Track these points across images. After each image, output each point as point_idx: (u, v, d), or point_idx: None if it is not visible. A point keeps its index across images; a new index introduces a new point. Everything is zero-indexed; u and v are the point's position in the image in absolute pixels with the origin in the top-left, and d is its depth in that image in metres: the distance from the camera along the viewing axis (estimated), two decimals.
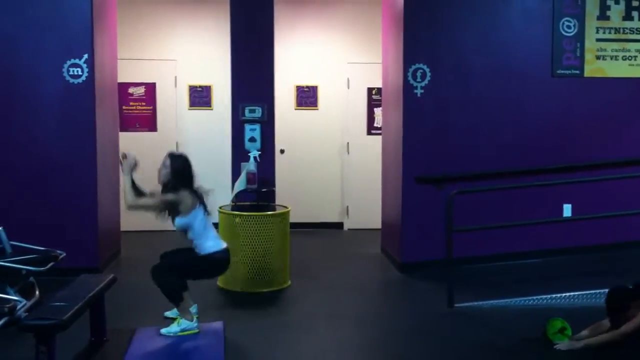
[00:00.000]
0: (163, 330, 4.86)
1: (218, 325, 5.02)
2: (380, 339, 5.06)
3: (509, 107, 7.00)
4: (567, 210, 7.14)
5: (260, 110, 6.72)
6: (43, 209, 6.53)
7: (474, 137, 6.92)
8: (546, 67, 7.07)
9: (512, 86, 6.99)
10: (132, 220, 8.48)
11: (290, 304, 5.83)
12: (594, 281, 6.03)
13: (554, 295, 5.76)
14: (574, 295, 5.78)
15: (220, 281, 6.31)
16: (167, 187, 5.11)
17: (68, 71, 6.47)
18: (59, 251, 5.48)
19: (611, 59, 7.16)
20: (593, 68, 7.16)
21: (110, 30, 7.26)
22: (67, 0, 6.45)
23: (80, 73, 6.49)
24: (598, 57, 7.16)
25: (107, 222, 7.02)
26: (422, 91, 6.73)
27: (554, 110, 7.11)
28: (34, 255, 5.32)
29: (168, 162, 5.13)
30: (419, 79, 6.71)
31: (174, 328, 4.86)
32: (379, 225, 8.11)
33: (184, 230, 5.04)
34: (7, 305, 3.85)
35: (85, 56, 6.47)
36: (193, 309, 4.92)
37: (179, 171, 5.13)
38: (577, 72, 7.13)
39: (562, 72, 7.09)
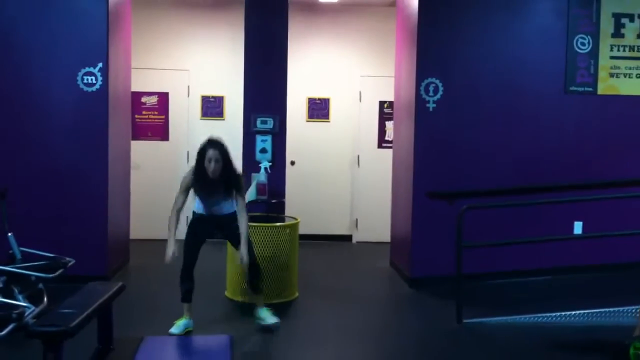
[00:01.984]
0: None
1: (225, 338, 5.00)
2: (388, 354, 5.02)
3: (521, 123, 6.97)
4: (577, 227, 7.09)
5: (272, 121, 6.74)
6: (54, 216, 6.55)
7: (486, 153, 6.89)
8: (559, 84, 7.04)
9: (525, 102, 6.96)
10: (141, 228, 8.52)
11: (298, 316, 5.80)
12: (604, 300, 5.97)
13: (564, 313, 5.72)
14: (584, 313, 5.73)
15: (228, 291, 6.30)
16: (224, 179, 5.06)
17: (82, 79, 6.51)
18: (68, 258, 5.50)
19: (625, 76, 7.13)
20: (607, 85, 7.13)
21: (125, 40, 7.31)
22: (83, 9, 6.49)
23: (94, 81, 6.53)
24: (612, 75, 7.13)
25: (116, 230, 7.03)
26: (435, 105, 6.72)
27: (567, 127, 7.08)
28: (44, 262, 5.35)
29: (218, 155, 4.96)
30: (431, 93, 6.70)
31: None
32: (388, 238, 8.08)
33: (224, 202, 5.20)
34: (16, 311, 3.85)
35: (100, 65, 6.51)
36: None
37: (229, 159, 5.04)
38: (591, 89, 7.10)
39: (576, 89, 7.07)
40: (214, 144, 4.98)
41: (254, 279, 5.38)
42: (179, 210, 5.14)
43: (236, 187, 5.14)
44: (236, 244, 5.28)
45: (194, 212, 5.40)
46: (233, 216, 5.27)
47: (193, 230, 5.35)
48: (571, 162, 7.05)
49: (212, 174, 5.00)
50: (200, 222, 5.35)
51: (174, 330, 5.16)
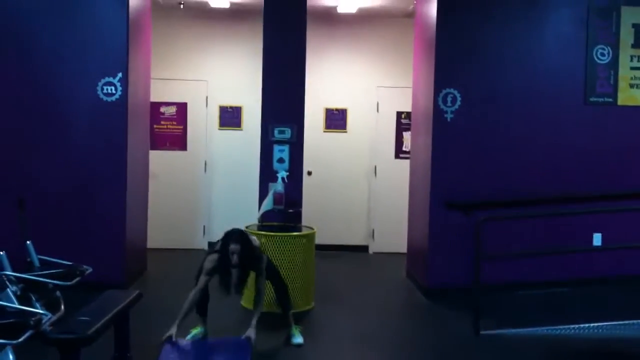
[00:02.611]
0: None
1: (243, 340, 4.99)
2: None
3: (540, 134, 6.93)
4: (597, 239, 7.02)
5: (290, 131, 6.75)
6: (72, 224, 6.60)
7: (504, 163, 6.85)
8: (579, 94, 7.00)
9: (544, 112, 6.92)
10: (158, 237, 8.56)
11: (314, 327, 5.78)
12: (623, 312, 5.91)
13: (582, 325, 5.66)
14: (602, 325, 5.67)
15: (244, 301, 6.30)
16: (245, 264, 5.14)
17: (102, 89, 6.57)
18: (85, 266, 5.51)
19: None
20: (627, 96, 7.07)
21: (145, 50, 7.37)
22: (104, 19, 6.56)
23: (114, 91, 6.58)
24: (632, 86, 7.08)
25: (134, 238, 7.06)
26: (452, 116, 6.70)
27: (587, 138, 7.02)
28: (61, 270, 5.36)
29: (238, 249, 5.05)
30: (449, 104, 6.69)
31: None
32: (404, 249, 8.05)
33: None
34: (33, 319, 3.85)
35: (120, 75, 6.57)
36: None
37: (247, 251, 5.11)
38: (611, 100, 7.05)
39: (595, 99, 7.02)
40: (235, 239, 5.09)
41: (282, 299, 5.48)
42: (200, 290, 5.10)
43: (257, 269, 5.25)
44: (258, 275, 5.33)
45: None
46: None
47: (212, 268, 5.25)
48: (591, 172, 6.99)
49: (234, 264, 5.09)
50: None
51: (188, 339, 5.17)
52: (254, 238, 5.38)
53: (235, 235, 5.13)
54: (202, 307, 5.32)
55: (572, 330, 5.62)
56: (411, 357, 5.13)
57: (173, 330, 4.82)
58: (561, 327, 5.64)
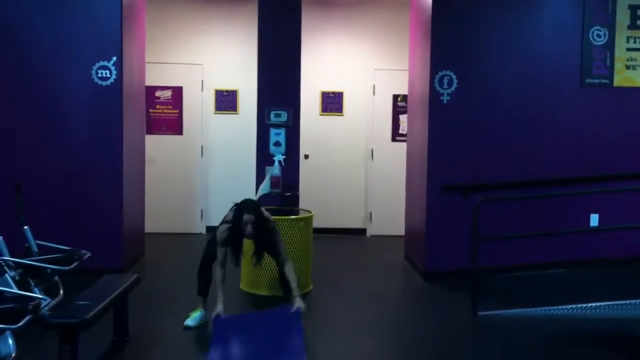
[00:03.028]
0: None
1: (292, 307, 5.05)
2: (404, 346, 5.02)
3: (537, 115, 6.92)
4: (594, 220, 7.05)
5: (286, 114, 6.73)
6: (69, 210, 6.59)
7: (501, 145, 6.85)
8: (575, 76, 6.99)
9: (541, 94, 6.92)
10: (155, 222, 8.56)
11: (312, 309, 5.77)
12: (620, 293, 5.94)
13: (579, 306, 5.69)
14: (599, 305, 5.70)
15: (242, 284, 6.31)
16: (260, 234, 5.19)
17: (97, 73, 6.54)
18: (83, 251, 5.52)
19: None
20: (623, 77, 7.06)
21: (139, 34, 7.32)
22: (98, 3, 6.52)
23: (108, 75, 6.55)
24: (628, 67, 7.07)
25: (131, 223, 7.06)
26: (449, 98, 6.69)
27: (583, 120, 7.03)
28: (59, 255, 5.36)
29: (252, 218, 5.07)
30: (445, 86, 6.67)
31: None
32: (402, 232, 8.06)
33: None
34: (32, 303, 3.85)
35: (114, 59, 6.53)
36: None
37: (260, 222, 5.16)
38: (607, 81, 7.04)
39: (592, 81, 7.01)
40: (248, 208, 5.11)
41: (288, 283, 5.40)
42: (222, 263, 5.09)
43: (272, 242, 5.27)
44: (271, 252, 5.35)
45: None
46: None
47: (225, 238, 5.23)
48: (588, 154, 7.00)
49: (248, 235, 5.13)
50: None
51: (189, 322, 5.18)
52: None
53: (249, 205, 5.13)
54: (205, 288, 5.32)
55: (570, 311, 5.65)
56: (409, 339, 5.15)
57: (220, 308, 4.89)
58: (559, 307, 5.67)
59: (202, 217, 9.28)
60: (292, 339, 4.58)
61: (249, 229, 5.04)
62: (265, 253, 5.38)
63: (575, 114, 7.01)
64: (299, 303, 4.97)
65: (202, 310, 5.31)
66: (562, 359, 4.62)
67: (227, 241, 5.10)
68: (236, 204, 5.21)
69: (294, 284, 5.12)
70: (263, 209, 5.32)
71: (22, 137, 6.55)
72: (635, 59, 7.05)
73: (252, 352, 4.55)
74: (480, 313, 5.52)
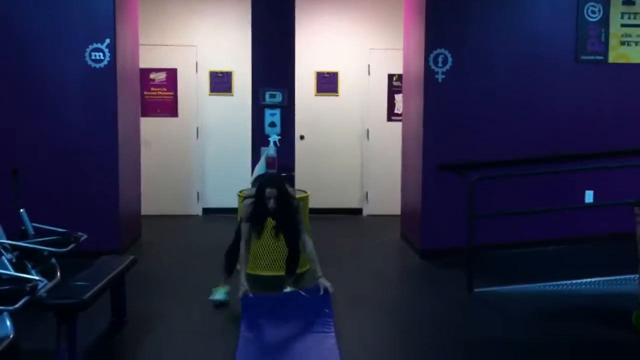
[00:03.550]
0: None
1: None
2: (400, 322, 5.07)
3: (532, 93, 6.92)
4: (589, 196, 7.07)
5: (281, 95, 6.71)
6: (65, 193, 6.60)
7: (496, 124, 6.85)
8: (570, 52, 6.98)
9: (536, 72, 6.91)
10: (152, 204, 8.56)
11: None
12: (613, 268, 5.97)
13: (575, 281, 5.73)
14: (593, 281, 5.74)
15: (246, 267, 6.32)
16: (282, 212, 5.14)
17: (90, 55, 6.51)
18: (80, 233, 5.54)
19: (636, 44, 7.05)
20: (617, 54, 7.05)
21: (132, 15, 7.28)
22: None
23: (102, 57, 6.52)
24: (623, 43, 7.06)
25: (128, 206, 7.07)
26: (444, 76, 6.68)
27: (578, 96, 7.02)
28: (56, 237, 5.38)
29: (275, 193, 5.03)
30: (440, 64, 6.66)
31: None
32: (398, 211, 8.08)
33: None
34: (29, 285, 3.87)
35: (107, 41, 6.50)
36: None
37: (284, 197, 5.12)
38: (602, 57, 7.03)
39: (587, 57, 7.00)
40: (270, 182, 5.11)
41: (293, 264, 5.52)
42: (247, 241, 5.12)
43: (293, 220, 5.21)
44: (291, 231, 5.34)
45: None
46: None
47: (249, 212, 5.20)
48: (583, 131, 7.01)
49: (271, 210, 5.08)
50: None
51: (218, 297, 5.22)
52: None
53: (271, 179, 5.18)
54: (231, 267, 5.34)
55: (565, 287, 5.69)
56: (406, 316, 5.19)
57: (246, 285, 4.88)
58: (554, 283, 5.71)
59: (198, 199, 9.29)
60: (323, 322, 4.62)
61: (271, 203, 5.00)
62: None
63: (571, 91, 7.00)
64: (325, 283, 4.91)
65: (227, 286, 5.31)
66: (557, 334, 4.65)
67: (250, 216, 5.07)
68: (259, 177, 5.22)
69: (316, 265, 5.09)
70: (288, 185, 5.30)
71: (16, 120, 6.54)
72: (630, 35, 7.04)
73: (283, 333, 4.59)
74: (475, 290, 5.55)
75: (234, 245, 5.33)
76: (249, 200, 5.16)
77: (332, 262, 6.71)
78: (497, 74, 6.83)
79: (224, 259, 5.39)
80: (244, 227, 5.09)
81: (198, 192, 9.29)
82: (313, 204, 6.76)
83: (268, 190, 5.00)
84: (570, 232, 7.05)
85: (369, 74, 9.29)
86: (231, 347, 4.29)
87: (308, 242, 5.22)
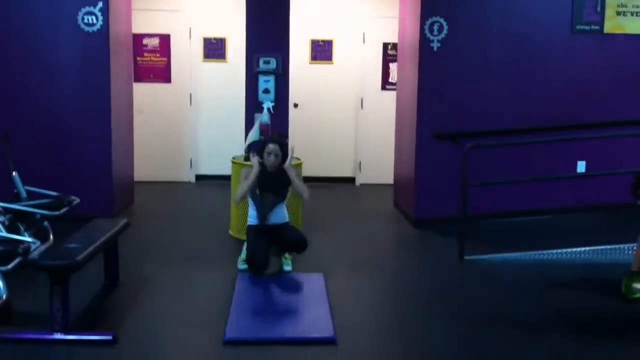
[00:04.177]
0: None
1: (319, 276, 5.10)
2: (391, 286, 5.12)
3: (527, 63, 6.89)
4: (581, 167, 7.09)
5: (275, 61, 6.68)
6: (58, 157, 6.58)
7: (491, 93, 6.83)
8: (566, 23, 6.93)
9: (531, 42, 6.87)
10: (144, 171, 8.56)
11: (303, 254, 5.82)
12: (604, 238, 6.03)
13: (563, 250, 5.78)
14: (583, 250, 5.79)
15: (232, 230, 6.35)
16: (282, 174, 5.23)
17: (83, 19, 6.45)
18: (72, 197, 5.54)
19: (632, 15, 7.02)
20: (613, 24, 7.02)
21: None
22: None
23: (94, 21, 6.46)
24: (619, 13, 7.02)
25: (121, 171, 7.05)
26: (439, 45, 6.64)
27: (574, 67, 7.00)
28: (48, 200, 5.39)
29: (277, 150, 5.17)
30: (435, 33, 6.62)
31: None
32: (391, 181, 8.10)
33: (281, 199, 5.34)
34: (22, 246, 3.89)
35: (100, 4, 6.43)
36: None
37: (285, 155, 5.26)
38: (597, 28, 7.00)
39: (582, 27, 6.96)
40: (274, 139, 5.22)
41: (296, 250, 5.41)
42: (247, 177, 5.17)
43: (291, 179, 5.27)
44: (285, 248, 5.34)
45: (248, 227, 5.33)
46: (286, 225, 5.34)
47: (253, 235, 5.21)
48: (578, 101, 7.00)
49: (270, 167, 5.14)
50: (257, 231, 5.23)
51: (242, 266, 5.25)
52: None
53: (274, 137, 5.27)
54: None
55: (556, 256, 5.74)
56: (398, 281, 5.23)
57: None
58: (543, 252, 5.75)
59: (191, 166, 9.27)
60: (317, 296, 4.65)
61: (272, 159, 5.10)
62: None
63: (566, 61, 6.98)
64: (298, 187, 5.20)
65: None
66: (546, 301, 4.70)
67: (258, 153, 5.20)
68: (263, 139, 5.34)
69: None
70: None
71: (8, 84, 6.49)
72: (625, 5, 7.00)
73: (276, 299, 4.71)
74: (467, 257, 5.59)
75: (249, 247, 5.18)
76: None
77: (324, 229, 6.75)
78: (492, 43, 6.79)
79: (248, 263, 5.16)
80: (253, 161, 5.16)
81: (191, 159, 9.27)
82: (306, 172, 6.75)
83: (270, 146, 5.12)
84: (562, 202, 7.09)
85: (363, 42, 9.24)
86: (224, 309, 4.32)
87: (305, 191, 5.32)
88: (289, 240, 5.24)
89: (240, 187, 5.20)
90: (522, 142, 6.44)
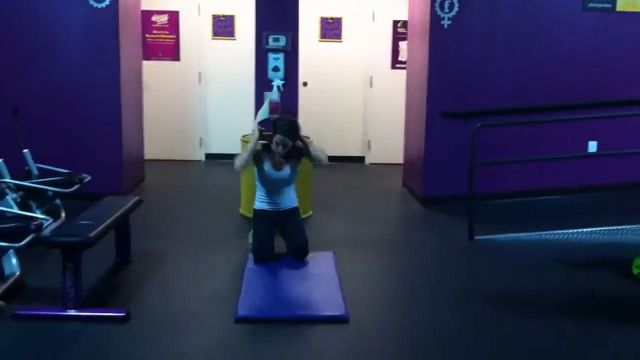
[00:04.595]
0: None
1: (329, 254, 5.08)
2: (400, 265, 5.12)
3: (538, 41, 6.84)
4: (592, 147, 7.06)
5: (285, 38, 6.64)
6: (68, 134, 6.59)
7: (501, 71, 6.79)
8: (577, 0, 6.87)
9: (542, 20, 6.82)
10: (153, 149, 8.57)
11: (312, 232, 5.75)
12: (614, 218, 6.01)
13: (573, 231, 5.76)
14: (593, 230, 5.77)
15: (242, 208, 6.36)
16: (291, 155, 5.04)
17: None
18: (84, 174, 5.56)
19: None
20: (625, 2, 6.95)
21: None
22: None
23: None
24: None
25: (131, 148, 7.06)
26: (450, 22, 6.59)
27: (585, 46, 6.95)
28: (60, 178, 5.40)
29: (287, 142, 4.90)
30: (446, 10, 6.56)
31: None
32: (400, 160, 8.08)
33: (288, 182, 5.13)
34: (34, 223, 3.90)
35: None
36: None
37: (297, 137, 5.00)
38: (609, 5, 6.92)
39: (594, 5, 6.89)
40: (283, 130, 4.87)
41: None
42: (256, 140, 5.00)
43: (306, 154, 5.08)
44: (294, 238, 5.04)
45: (255, 210, 5.14)
46: (294, 210, 5.16)
47: (259, 223, 5.07)
48: (589, 80, 6.95)
49: (277, 156, 4.96)
50: (263, 218, 5.08)
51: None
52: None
53: (284, 125, 4.90)
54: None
55: (563, 236, 5.73)
56: (406, 258, 5.24)
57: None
58: (553, 232, 5.74)
59: (200, 144, 9.27)
60: (328, 276, 4.63)
61: (279, 149, 4.88)
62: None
63: (578, 39, 6.92)
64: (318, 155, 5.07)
65: None
66: (555, 282, 4.70)
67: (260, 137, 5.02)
68: (277, 119, 5.07)
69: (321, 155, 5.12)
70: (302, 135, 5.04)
71: (20, 61, 6.49)
72: None
73: (286, 276, 4.68)
74: (476, 237, 5.59)
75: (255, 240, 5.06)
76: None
77: (334, 207, 6.76)
78: (503, 20, 6.74)
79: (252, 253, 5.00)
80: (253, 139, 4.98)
81: (201, 137, 9.27)
82: None
83: (278, 137, 4.85)
84: (572, 181, 7.07)
85: (373, 20, 9.17)
86: (235, 286, 4.35)
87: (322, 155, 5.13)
88: (295, 246, 4.98)
89: (241, 155, 5.07)
90: (532, 121, 6.39)
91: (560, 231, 5.76)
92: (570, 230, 5.77)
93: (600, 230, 5.80)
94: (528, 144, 6.80)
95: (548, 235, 5.73)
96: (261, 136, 5.07)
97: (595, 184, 7.15)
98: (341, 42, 9.22)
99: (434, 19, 6.58)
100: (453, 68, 6.68)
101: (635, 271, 4.65)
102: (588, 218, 6.15)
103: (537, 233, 5.75)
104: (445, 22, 6.58)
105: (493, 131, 6.06)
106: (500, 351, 3.60)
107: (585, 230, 5.79)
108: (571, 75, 6.93)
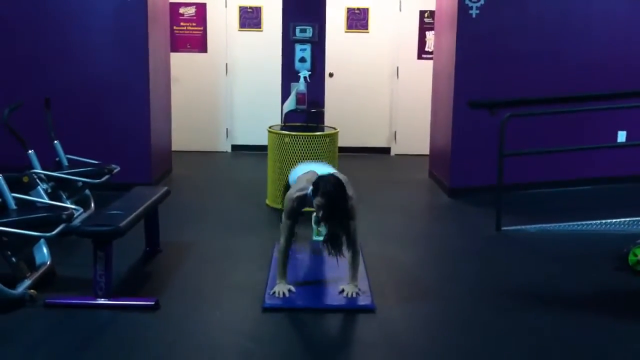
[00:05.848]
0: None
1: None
2: (428, 257, 5.13)
3: (569, 30, 6.76)
4: (621, 137, 6.97)
5: (311, 29, 6.64)
6: (97, 126, 6.66)
7: (531, 62, 6.72)
8: None
9: (574, 8, 6.74)
10: (181, 140, 8.63)
11: None
12: None
13: (603, 221, 5.70)
14: (624, 221, 5.70)
15: (268, 199, 6.39)
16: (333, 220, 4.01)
17: None
18: (113, 165, 5.62)
19: None
20: None
21: None
22: None
23: None
24: None
25: (159, 140, 7.12)
26: (478, 12, 6.53)
27: (618, 34, 6.85)
28: (90, 169, 5.47)
29: (324, 203, 3.90)
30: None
31: None
32: (426, 151, 8.05)
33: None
34: (65, 213, 3.96)
35: None
36: None
37: (336, 209, 3.98)
38: None
39: None
40: (325, 194, 3.92)
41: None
42: (288, 239, 4.18)
43: (345, 229, 4.12)
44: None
45: (294, 197, 4.20)
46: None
47: (292, 209, 4.21)
48: (620, 69, 6.85)
49: (320, 222, 4.25)
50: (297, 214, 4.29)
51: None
52: (350, 189, 4.15)
53: (326, 186, 3.94)
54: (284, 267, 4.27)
55: (594, 227, 5.67)
56: (433, 250, 5.24)
57: (283, 287, 4.12)
58: (581, 222, 5.69)
59: (227, 136, 9.32)
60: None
61: (320, 214, 3.97)
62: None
63: (610, 27, 6.82)
64: (349, 289, 4.13)
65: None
66: (584, 271, 4.66)
67: (294, 212, 4.17)
68: (318, 178, 4.05)
69: (354, 272, 4.20)
70: (348, 187, 4.10)
71: (52, 54, 6.57)
72: None
73: (313, 271, 4.69)
74: (504, 228, 5.56)
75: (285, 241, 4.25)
76: (295, 192, 4.15)
77: (360, 198, 6.74)
78: (534, 9, 6.66)
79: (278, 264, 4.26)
80: (285, 225, 4.19)
81: (227, 129, 9.31)
82: (341, 142, 6.73)
83: (317, 200, 3.93)
84: (602, 172, 6.99)
85: (400, 10, 9.12)
86: (262, 276, 4.38)
87: (356, 254, 4.21)
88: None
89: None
90: (561, 111, 6.32)
91: (588, 222, 5.71)
92: (598, 221, 5.71)
93: (631, 220, 5.73)
94: (556, 135, 6.73)
95: (576, 227, 5.67)
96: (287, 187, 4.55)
97: (625, 175, 7.06)
98: (367, 32, 9.19)
99: (462, 9, 6.53)
100: (481, 57, 6.63)
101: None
102: (619, 209, 6.06)
103: (565, 224, 5.70)
104: (474, 12, 6.53)
105: (521, 121, 6.02)
106: (528, 343, 3.58)
107: (614, 221, 5.72)
108: (601, 64, 6.83)
